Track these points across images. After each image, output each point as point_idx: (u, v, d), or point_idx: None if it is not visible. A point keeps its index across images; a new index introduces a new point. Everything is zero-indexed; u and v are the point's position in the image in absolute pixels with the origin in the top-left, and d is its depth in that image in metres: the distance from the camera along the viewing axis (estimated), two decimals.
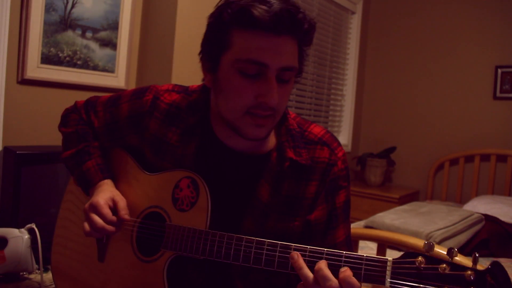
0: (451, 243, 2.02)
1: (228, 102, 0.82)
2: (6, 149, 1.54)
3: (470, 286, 0.64)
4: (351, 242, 0.97)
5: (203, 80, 0.88)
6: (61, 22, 1.79)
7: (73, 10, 1.82)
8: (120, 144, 1.04)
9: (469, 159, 3.37)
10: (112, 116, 1.02)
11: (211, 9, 0.83)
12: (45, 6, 1.72)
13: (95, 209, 0.90)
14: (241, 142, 0.88)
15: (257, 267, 0.79)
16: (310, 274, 0.72)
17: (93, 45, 1.92)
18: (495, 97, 3.26)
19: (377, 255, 1.43)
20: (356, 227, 1.87)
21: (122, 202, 0.94)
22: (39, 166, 1.52)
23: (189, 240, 0.84)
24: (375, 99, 3.84)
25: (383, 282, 0.70)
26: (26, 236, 1.29)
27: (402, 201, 3.21)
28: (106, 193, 0.94)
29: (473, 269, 0.65)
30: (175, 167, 0.92)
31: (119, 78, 2.04)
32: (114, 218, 0.90)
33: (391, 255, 2.09)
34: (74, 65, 1.86)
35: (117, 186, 1.01)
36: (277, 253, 0.78)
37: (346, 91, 3.71)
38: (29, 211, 1.47)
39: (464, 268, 0.65)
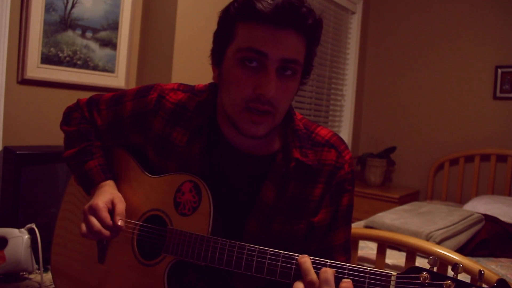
0: (451, 243, 2.02)
1: (230, 94, 0.82)
2: (6, 149, 1.53)
3: None
4: (350, 248, 0.96)
5: (214, 78, 0.89)
6: (61, 22, 1.78)
7: (73, 10, 1.82)
8: (123, 143, 1.02)
9: (469, 159, 3.36)
10: (115, 114, 1.00)
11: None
12: (45, 6, 1.71)
13: (94, 211, 0.88)
14: (246, 141, 0.88)
15: (259, 275, 0.78)
16: (315, 278, 0.73)
17: (93, 45, 1.92)
18: (495, 97, 3.26)
19: (377, 255, 1.43)
20: (356, 227, 1.87)
21: (120, 206, 0.91)
22: (39, 166, 1.52)
23: (191, 246, 0.84)
24: (375, 99, 3.84)
25: None
26: (26, 236, 1.28)
27: (402, 201, 3.21)
28: (106, 195, 0.93)
29: (479, 286, 0.64)
30: (180, 167, 0.91)
31: (119, 78, 2.04)
32: (111, 223, 0.88)
33: (391, 255, 2.08)
34: (74, 65, 1.86)
35: (118, 188, 0.99)
36: (279, 263, 0.77)
37: (346, 91, 3.70)
38: (29, 211, 1.47)
39: (469, 285, 0.64)
